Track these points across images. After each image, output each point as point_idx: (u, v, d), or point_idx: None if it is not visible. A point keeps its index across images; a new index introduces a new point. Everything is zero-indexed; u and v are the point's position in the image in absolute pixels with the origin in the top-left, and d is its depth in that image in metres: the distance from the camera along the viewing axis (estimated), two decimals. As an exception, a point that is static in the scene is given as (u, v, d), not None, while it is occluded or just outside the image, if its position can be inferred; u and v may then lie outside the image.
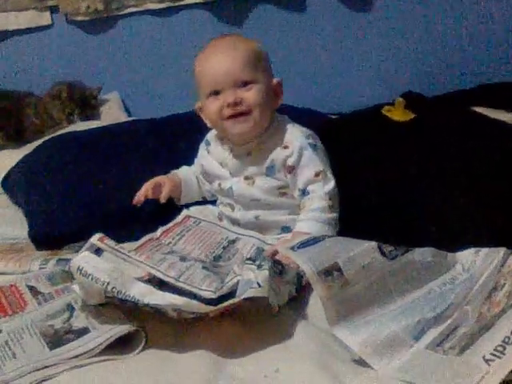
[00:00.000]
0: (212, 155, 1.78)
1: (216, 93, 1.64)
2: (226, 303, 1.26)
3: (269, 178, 1.67)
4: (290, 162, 1.64)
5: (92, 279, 1.30)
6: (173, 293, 1.28)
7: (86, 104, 2.62)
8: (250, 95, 1.62)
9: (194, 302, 1.26)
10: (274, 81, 1.71)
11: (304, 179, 1.64)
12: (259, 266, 1.32)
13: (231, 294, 1.29)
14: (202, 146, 1.83)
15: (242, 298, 1.25)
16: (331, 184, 1.64)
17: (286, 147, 1.66)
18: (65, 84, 2.61)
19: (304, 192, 1.64)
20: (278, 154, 1.66)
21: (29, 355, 1.29)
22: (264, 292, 1.27)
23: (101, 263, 1.34)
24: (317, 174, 1.63)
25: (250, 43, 1.69)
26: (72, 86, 2.62)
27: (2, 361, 1.28)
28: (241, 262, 1.41)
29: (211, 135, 1.80)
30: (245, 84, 1.62)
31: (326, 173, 1.64)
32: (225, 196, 1.75)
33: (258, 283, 1.27)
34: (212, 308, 1.26)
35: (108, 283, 1.29)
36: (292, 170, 1.65)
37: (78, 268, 1.33)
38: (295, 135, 1.68)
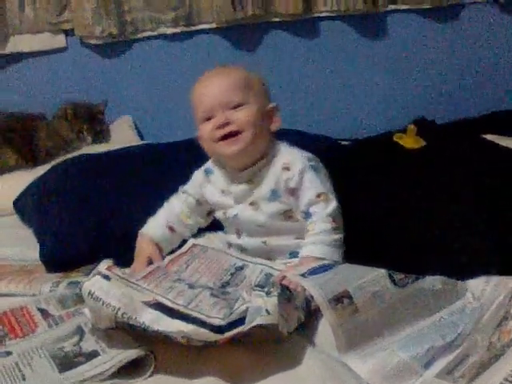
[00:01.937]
0: (214, 184, 1.78)
1: (209, 118, 1.67)
2: (234, 331, 1.25)
3: (273, 203, 1.68)
4: (292, 184, 1.65)
5: (103, 304, 1.31)
6: (181, 319, 1.29)
7: (94, 119, 2.64)
8: (240, 115, 1.65)
9: (203, 330, 1.25)
10: (269, 105, 1.72)
11: (306, 201, 1.64)
12: (268, 293, 1.32)
13: (240, 320, 1.28)
14: (201, 175, 1.81)
15: (251, 326, 1.25)
16: (333, 205, 1.64)
17: (287, 169, 1.67)
18: (69, 103, 2.64)
19: (307, 214, 1.64)
20: (279, 177, 1.67)
21: (38, 378, 1.28)
22: (273, 319, 1.27)
23: (111, 288, 1.34)
24: (318, 196, 1.64)
25: (239, 70, 1.73)
26: (77, 105, 2.64)
27: (12, 383, 1.27)
28: (249, 288, 1.41)
29: (213, 164, 1.80)
30: (235, 107, 1.65)
31: (328, 194, 1.65)
32: (230, 223, 1.76)
33: (267, 310, 1.27)
34: (220, 336, 1.26)
35: (119, 309, 1.29)
36: (294, 192, 1.66)
37: (89, 292, 1.33)
38: (296, 157, 1.69)
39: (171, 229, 1.82)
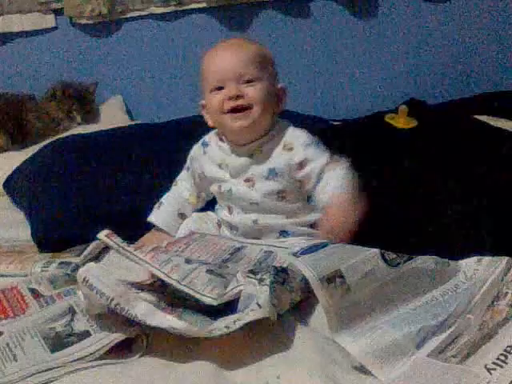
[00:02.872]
0: (210, 157, 1.76)
1: (219, 88, 1.66)
2: (224, 331, 1.23)
3: (269, 182, 1.67)
4: (298, 159, 1.64)
5: (97, 293, 1.29)
6: (173, 315, 1.28)
7: (83, 99, 2.63)
8: (252, 91, 1.64)
9: (194, 328, 1.25)
10: (279, 86, 1.72)
11: (316, 170, 1.63)
12: (261, 280, 1.31)
13: (233, 302, 1.29)
14: (198, 148, 1.81)
15: (241, 325, 1.24)
16: (343, 166, 1.63)
17: (289, 149, 1.66)
18: (58, 83, 2.63)
19: (319, 179, 1.63)
20: (280, 157, 1.66)
21: (30, 358, 1.28)
22: (264, 313, 1.25)
23: (106, 276, 1.33)
24: (327, 162, 1.64)
25: (257, 45, 1.71)
26: (66, 84, 2.63)
27: (3, 363, 1.27)
28: (243, 272, 1.39)
29: (209, 136, 1.79)
30: (248, 82, 1.64)
31: (336, 158, 1.65)
32: (224, 199, 1.75)
33: (258, 304, 1.26)
34: (210, 335, 1.24)
35: (112, 299, 1.28)
36: (302, 167, 1.65)
37: (84, 279, 1.31)
38: (296, 136, 1.68)
39: (182, 215, 1.83)
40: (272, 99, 1.68)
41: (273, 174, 1.66)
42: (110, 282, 1.31)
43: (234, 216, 1.73)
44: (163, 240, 1.75)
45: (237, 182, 1.70)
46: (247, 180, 1.69)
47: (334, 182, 1.60)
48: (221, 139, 1.75)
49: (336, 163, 1.64)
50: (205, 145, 1.79)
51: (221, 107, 1.65)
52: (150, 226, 1.84)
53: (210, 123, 1.75)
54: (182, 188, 1.85)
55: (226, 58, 1.66)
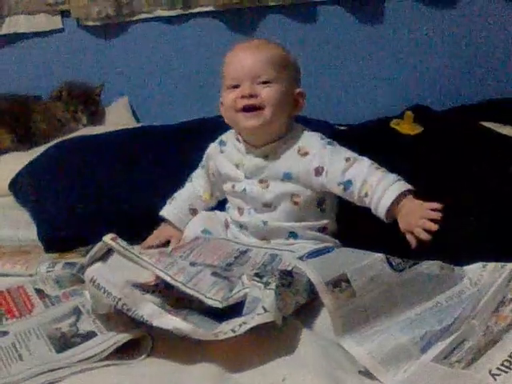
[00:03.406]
0: (226, 156, 1.78)
1: (235, 86, 1.67)
2: (230, 334, 1.24)
3: (284, 184, 1.68)
4: (316, 164, 1.65)
5: (104, 292, 1.30)
6: (179, 317, 1.29)
7: (89, 100, 2.63)
8: (266, 92, 1.65)
9: (200, 330, 1.25)
10: (297, 90, 1.73)
11: (338, 172, 1.63)
12: (266, 284, 1.32)
13: (238, 305, 1.30)
14: (215, 147, 1.83)
15: (247, 328, 1.24)
16: (366, 160, 1.64)
17: (305, 154, 1.67)
18: (64, 84, 2.63)
19: (347, 183, 1.62)
20: (296, 162, 1.67)
21: (35, 358, 1.28)
22: (269, 317, 1.25)
23: (114, 277, 1.33)
24: (347, 160, 1.64)
25: (278, 47, 1.73)
26: (71, 85, 2.64)
27: (9, 363, 1.27)
28: (249, 275, 1.39)
29: (226, 136, 1.81)
30: (264, 83, 1.65)
31: (355, 156, 1.65)
32: (236, 198, 1.76)
33: (263, 307, 1.26)
34: (216, 338, 1.24)
35: (119, 299, 1.28)
36: (321, 171, 1.65)
37: (92, 279, 1.32)
38: (311, 140, 1.70)
39: (194, 211, 1.86)
40: (287, 102, 1.69)
41: (288, 177, 1.68)
42: (117, 282, 1.32)
43: (245, 216, 1.74)
44: (172, 235, 1.79)
45: (251, 183, 1.71)
46: (261, 181, 1.70)
47: (385, 181, 1.60)
48: (237, 139, 1.76)
49: (355, 159, 1.64)
50: (222, 144, 1.81)
51: (234, 105, 1.67)
52: (155, 225, 1.85)
53: (226, 120, 1.76)
54: (196, 185, 1.88)
55: (244, 58, 1.67)
